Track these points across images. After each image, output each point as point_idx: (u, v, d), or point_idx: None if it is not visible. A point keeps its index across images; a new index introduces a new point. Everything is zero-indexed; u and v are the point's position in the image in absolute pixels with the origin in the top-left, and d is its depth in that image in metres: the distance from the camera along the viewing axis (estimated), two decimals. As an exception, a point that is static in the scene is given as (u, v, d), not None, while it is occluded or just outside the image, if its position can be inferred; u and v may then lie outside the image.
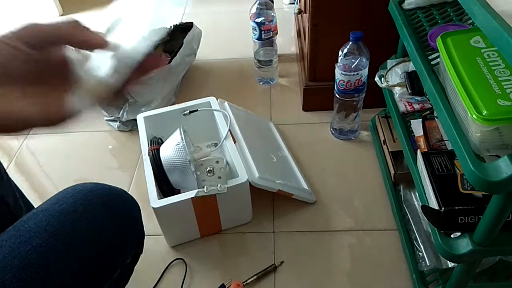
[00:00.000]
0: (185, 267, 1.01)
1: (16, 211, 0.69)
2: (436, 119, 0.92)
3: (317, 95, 1.34)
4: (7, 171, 0.72)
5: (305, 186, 1.13)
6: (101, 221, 0.55)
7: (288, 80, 1.56)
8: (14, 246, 0.48)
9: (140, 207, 0.68)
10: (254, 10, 1.41)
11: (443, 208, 0.68)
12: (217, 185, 0.94)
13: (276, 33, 1.47)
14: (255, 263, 0.99)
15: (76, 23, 0.40)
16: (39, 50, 0.38)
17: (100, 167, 1.32)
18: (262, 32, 1.42)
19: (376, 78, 1.05)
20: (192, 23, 1.58)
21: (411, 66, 1.01)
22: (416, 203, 1.03)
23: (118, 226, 0.58)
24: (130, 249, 0.63)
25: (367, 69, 1.11)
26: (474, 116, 0.55)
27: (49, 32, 0.38)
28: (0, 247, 0.49)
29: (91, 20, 2.04)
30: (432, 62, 0.77)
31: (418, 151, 0.81)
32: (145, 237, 0.71)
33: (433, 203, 0.71)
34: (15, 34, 0.36)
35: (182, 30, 1.59)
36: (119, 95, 0.42)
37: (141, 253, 0.68)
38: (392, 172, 1.09)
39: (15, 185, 0.73)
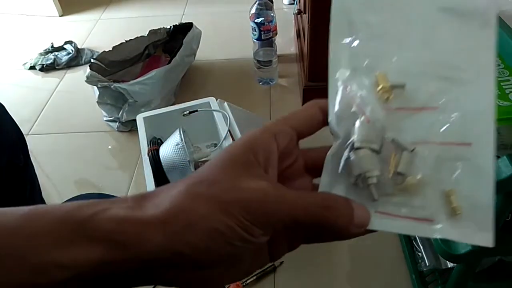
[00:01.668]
0: (185, 267, 1.00)
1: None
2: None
3: (317, 95, 1.32)
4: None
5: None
6: None
7: (288, 81, 1.56)
8: None
9: None
10: (253, 10, 1.41)
11: (442, 208, 0.68)
12: (217, 186, 0.93)
13: (276, 34, 1.47)
14: (254, 263, 0.99)
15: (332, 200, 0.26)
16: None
17: (99, 168, 1.32)
18: (262, 32, 1.42)
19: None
20: (191, 23, 1.59)
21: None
22: (415, 203, 1.03)
23: None
24: None
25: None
26: (473, 116, 0.55)
27: (293, 221, 0.25)
28: None
29: (90, 20, 2.04)
30: (431, 63, 0.77)
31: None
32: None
33: (433, 203, 0.71)
34: (252, 220, 0.24)
35: (182, 30, 1.59)
36: None
37: None
38: (392, 172, 1.09)
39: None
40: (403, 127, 0.27)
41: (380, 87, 0.27)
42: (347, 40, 0.28)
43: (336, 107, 0.28)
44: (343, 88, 0.28)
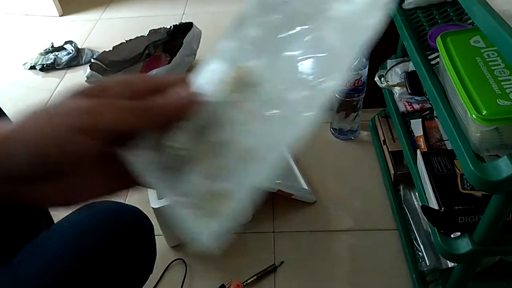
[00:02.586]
0: (185, 267, 1.00)
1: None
2: (436, 119, 0.92)
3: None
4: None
5: (305, 186, 1.13)
6: (120, 246, 0.57)
7: (288, 80, 1.56)
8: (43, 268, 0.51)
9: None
10: (253, 10, 1.41)
11: (443, 208, 0.68)
12: (217, 185, 0.93)
13: (276, 33, 1.47)
14: (255, 263, 0.99)
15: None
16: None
17: (100, 167, 1.32)
18: (262, 32, 1.42)
19: (376, 78, 1.05)
20: (191, 23, 1.58)
21: (411, 66, 1.01)
22: (416, 203, 1.03)
23: (135, 251, 0.60)
24: (145, 273, 0.64)
25: (366, 69, 1.11)
26: (473, 116, 0.55)
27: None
28: (25, 261, 0.51)
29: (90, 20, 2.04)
30: (432, 62, 0.77)
31: (418, 151, 0.81)
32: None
33: (433, 203, 0.71)
34: (97, 128, 0.27)
35: (182, 30, 1.59)
36: None
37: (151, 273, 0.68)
38: (392, 172, 1.09)
39: None
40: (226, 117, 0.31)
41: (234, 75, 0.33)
42: (233, 34, 0.36)
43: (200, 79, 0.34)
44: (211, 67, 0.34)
